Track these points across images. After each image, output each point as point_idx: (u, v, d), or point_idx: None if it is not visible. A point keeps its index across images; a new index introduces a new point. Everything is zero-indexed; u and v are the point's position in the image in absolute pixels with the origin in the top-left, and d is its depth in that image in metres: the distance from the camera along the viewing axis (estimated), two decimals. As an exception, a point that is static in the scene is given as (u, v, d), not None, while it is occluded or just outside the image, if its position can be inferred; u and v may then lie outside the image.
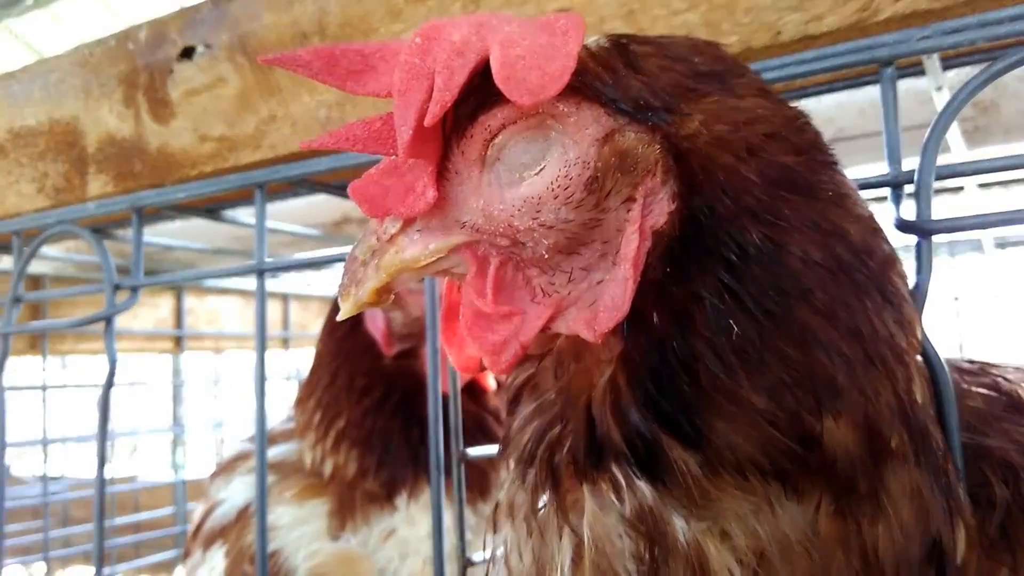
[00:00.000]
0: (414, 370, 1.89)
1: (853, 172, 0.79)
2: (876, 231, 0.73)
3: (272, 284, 3.55)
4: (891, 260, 0.72)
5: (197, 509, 2.09)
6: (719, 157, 0.70)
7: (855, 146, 1.51)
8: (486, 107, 0.72)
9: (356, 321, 1.95)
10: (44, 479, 3.33)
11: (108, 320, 1.49)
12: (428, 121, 0.68)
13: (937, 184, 0.91)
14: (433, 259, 0.76)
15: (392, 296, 0.79)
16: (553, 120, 0.72)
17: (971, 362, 0.91)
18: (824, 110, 1.45)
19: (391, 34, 1.37)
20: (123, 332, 3.32)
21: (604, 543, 0.71)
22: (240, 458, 2.07)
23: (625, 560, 0.70)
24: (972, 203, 2.08)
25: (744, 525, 0.67)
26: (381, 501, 1.79)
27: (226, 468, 2.07)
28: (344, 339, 1.98)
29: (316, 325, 2.98)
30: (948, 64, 1.17)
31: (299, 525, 1.81)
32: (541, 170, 0.72)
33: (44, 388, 3.29)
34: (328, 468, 1.85)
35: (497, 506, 0.86)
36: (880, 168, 0.96)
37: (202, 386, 4.30)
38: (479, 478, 1.76)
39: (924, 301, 0.84)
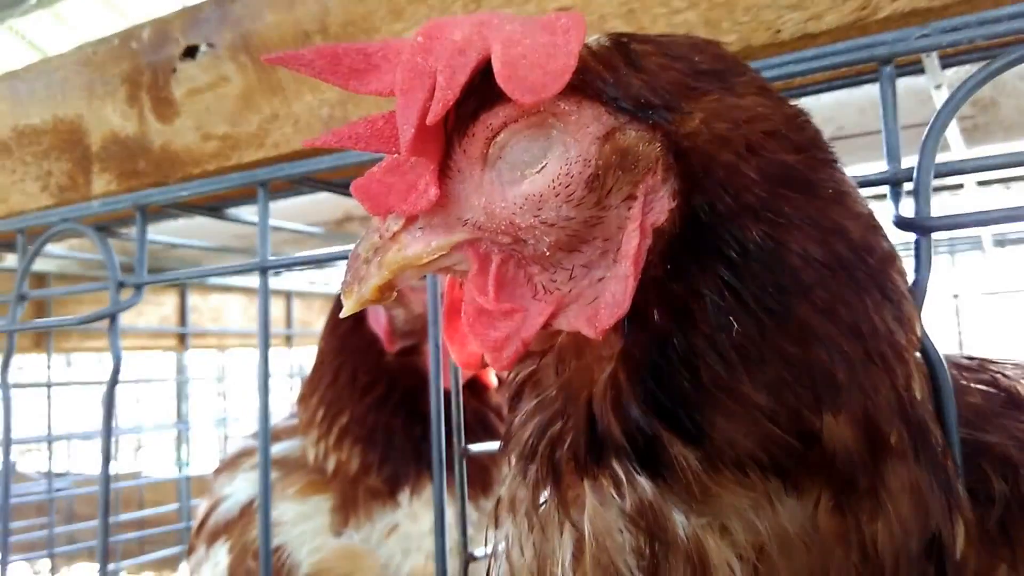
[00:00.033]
0: (416, 367, 1.89)
1: (852, 170, 0.79)
2: (876, 228, 0.73)
3: (275, 282, 3.56)
4: (890, 257, 0.73)
5: (201, 505, 2.10)
6: (719, 155, 0.70)
7: (854, 144, 1.51)
8: (488, 106, 0.72)
9: (359, 318, 1.95)
10: (49, 476, 3.34)
11: (112, 317, 1.50)
12: (430, 119, 0.69)
13: (936, 182, 0.91)
14: (435, 256, 0.77)
15: (394, 293, 0.79)
16: (554, 118, 0.72)
17: (970, 358, 0.90)
18: (823, 108, 1.45)
19: (393, 33, 1.37)
20: (127, 330, 3.33)
21: (604, 538, 0.71)
22: (244, 454, 2.08)
23: (625, 555, 0.70)
24: (972, 202, 2.08)
25: (744, 520, 0.68)
26: (384, 497, 1.80)
27: (230, 464, 2.08)
28: (347, 336, 1.98)
29: (319, 322, 2.99)
30: (947, 62, 1.17)
31: (302, 521, 1.81)
32: (543, 168, 0.73)
33: (49, 385, 3.30)
34: (331, 464, 1.86)
35: (499, 501, 0.86)
36: (879, 166, 0.96)
37: (206, 383, 4.31)
38: (481, 474, 1.76)
39: (923, 298, 0.85)
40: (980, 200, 2.09)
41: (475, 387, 1.91)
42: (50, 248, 2.32)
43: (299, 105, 1.48)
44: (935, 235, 0.89)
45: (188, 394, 3.90)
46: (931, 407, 0.75)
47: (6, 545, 1.68)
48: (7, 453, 1.69)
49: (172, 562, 3.69)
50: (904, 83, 1.18)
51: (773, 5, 1.11)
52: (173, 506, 3.76)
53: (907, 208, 0.91)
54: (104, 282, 1.52)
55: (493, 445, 1.31)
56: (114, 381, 1.52)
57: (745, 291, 0.67)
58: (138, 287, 1.51)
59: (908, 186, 0.93)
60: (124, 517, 3.61)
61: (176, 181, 1.63)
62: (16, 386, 2.81)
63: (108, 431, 1.53)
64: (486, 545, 0.95)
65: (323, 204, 2.17)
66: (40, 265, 2.79)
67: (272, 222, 1.52)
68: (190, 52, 1.60)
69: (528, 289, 0.77)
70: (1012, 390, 0.84)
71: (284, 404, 3.91)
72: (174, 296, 3.55)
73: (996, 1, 1.01)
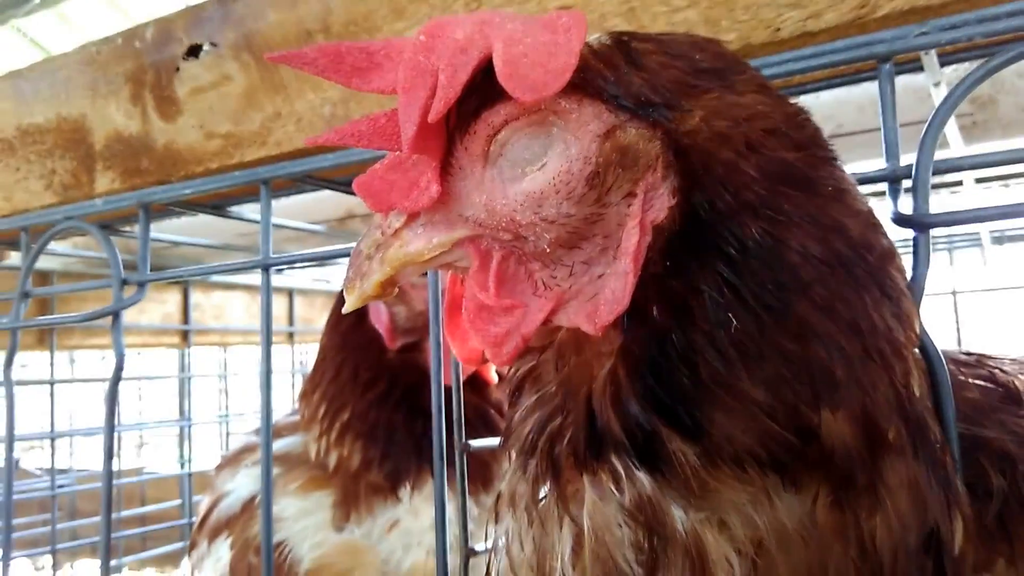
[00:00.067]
0: (417, 363, 1.89)
1: (851, 167, 0.80)
2: (875, 226, 0.73)
3: (277, 280, 3.57)
4: (889, 254, 0.73)
5: (203, 501, 2.10)
6: (719, 153, 0.70)
7: (853, 142, 1.52)
8: (489, 104, 0.73)
9: (360, 315, 1.96)
10: (52, 472, 3.35)
11: (115, 315, 1.50)
12: (432, 117, 0.69)
13: (936, 180, 0.91)
14: (437, 253, 0.77)
15: (396, 289, 0.80)
16: (555, 116, 0.72)
17: (967, 354, 0.91)
18: (823, 106, 1.45)
19: (394, 32, 1.38)
20: (130, 327, 3.33)
21: (604, 532, 0.71)
22: (246, 451, 2.08)
23: (624, 549, 0.70)
24: (971, 201, 2.08)
25: (742, 515, 0.68)
26: (385, 493, 1.80)
27: (232, 460, 2.09)
28: (348, 333, 1.98)
29: (321, 320, 2.99)
30: (946, 60, 1.17)
31: (304, 516, 1.82)
32: (543, 166, 0.73)
33: (52, 383, 3.30)
34: (333, 460, 1.86)
35: (499, 496, 0.87)
36: (878, 163, 0.96)
37: (208, 380, 4.32)
38: (481, 470, 1.76)
39: (921, 295, 0.85)
40: (979, 198, 2.09)
41: (476, 383, 1.91)
42: (53, 246, 2.32)
43: (301, 104, 1.48)
44: (934, 232, 0.90)
45: (190, 391, 3.91)
46: (930, 403, 0.75)
47: (9, 541, 1.69)
48: (10, 450, 1.70)
49: (174, 558, 3.70)
50: (903, 81, 1.18)
51: (772, 3, 1.11)
52: (175, 502, 3.77)
53: (906, 205, 0.91)
54: (107, 280, 1.52)
55: (494, 441, 1.32)
56: (117, 378, 1.52)
57: (744, 288, 0.67)
58: (141, 284, 1.51)
59: (907, 183, 0.93)
60: (126, 513, 3.63)
61: (179, 179, 1.63)
62: (19, 383, 2.81)
63: (111, 428, 1.54)
64: (486, 540, 0.95)
65: (325, 202, 2.17)
66: (44, 263, 2.80)
67: (274, 220, 1.52)
68: (193, 51, 1.60)
69: (528, 285, 0.77)
70: (1010, 385, 0.85)
71: (286, 401, 3.92)
72: (177, 294, 3.55)
73: (994, -2, 1.01)
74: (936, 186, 0.87)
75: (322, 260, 1.41)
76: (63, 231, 1.64)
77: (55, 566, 3.33)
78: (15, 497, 1.71)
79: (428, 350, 1.34)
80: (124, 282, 1.50)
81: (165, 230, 2.38)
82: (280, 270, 3.14)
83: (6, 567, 1.69)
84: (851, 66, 1.06)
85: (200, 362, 4.22)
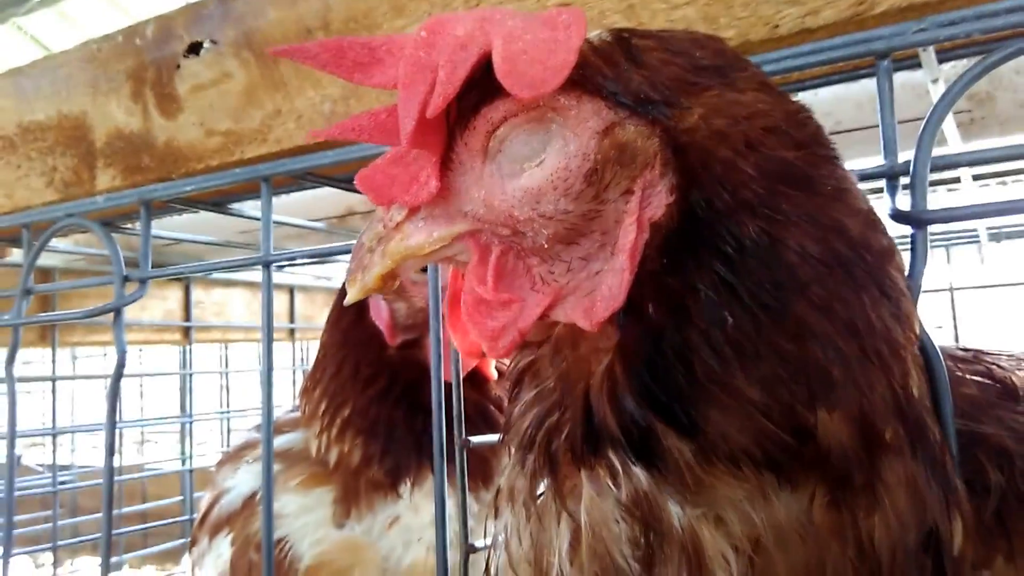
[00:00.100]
0: (418, 360, 1.89)
1: (849, 164, 0.80)
2: (875, 225, 0.73)
3: (278, 277, 3.57)
4: (889, 254, 0.72)
5: (204, 498, 2.10)
6: (718, 151, 0.70)
7: (851, 139, 1.51)
8: (488, 100, 0.73)
9: (361, 312, 1.96)
10: (53, 469, 3.35)
11: (117, 311, 1.50)
12: (430, 113, 0.69)
13: (933, 177, 0.92)
14: (437, 247, 0.78)
15: (398, 282, 0.80)
16: (554, 113, 0.73)
17: (965, 350, 0.91)
18: (821, 103, 1.45)
19: (394, 29, 1.38)
20: (132, 324, 3.34)
21: (601, 528, 0.72)
22: (247, 447, 2.08)
23: (621, 545, 0.70)
24: (968, 198, 2.08)
25: (739, 512, 0.68)
26: (385, 489, 1.80)
27: (233, 457, 2.09)
28: (349, 330, 1.98)
29: (322, 317, 2.99)
30: (944, 57, 1.17)
31: (304, 513, 1.82)
32: (541, 162, 0.73)
33: (54, 379, 3.31)
34: (333, 456, 1.86)
35: (498, 491, 0.87)
36: (876, 160, 0.96)
37: (210, 377, 4.33)
38: (481, 466, 1.76)
39: (919, 291, 0.85)
40: (976, 196, 2.09)
41: (476, 379, 1.91)
42: (55, 243, 2.32)
43: (301, 101, 1.48)
44: (931, 229, 0.90)
45: (192, 388, 3.91)
46: (929, 403, 0.75)
47: (10, 538, 1.69)
48: (12, 446, 1.70)
49: (175, 554, 3.70)
50: (901, 78, 1.18)
51: (771, 0, 1.12)
52: (176, 499, 3.78)
53: (903, 202, 0.92)
54: (109, 277, 1.53)
55: (494, 437, 1.32)
56: (118, 375, 1.53)
57: (741, 287, 0.67)
58: (142, 281, 1.52)
59: (905, 180, 0.93)
60: (127, 510, 3.64)
61: (180, 176, 1.64)
62: (21, 380, 2.81)
63: (112, 424, 1.54)
64: (486, 537, 0.96)
65: (326, 199, 2.18)
66: (45, 260, 2.80)
67: (275, 217, 1.53)
68: (194, 49, 1.61)
69: (527, 280, 0.78)
70: (1007, 381, 0.85)
71: (287, 397, 3.93)
72: (178, 291, 3.56)
73: (992, -5, 1.01)
74: (933, 183, 0.87)
75: (323, 257, 1.41)
76: (64, 228, 1.64)
77: (56, 563, 3.34)
78: (16, 493, 1.71)
79: (428, 346, 1.34)
80: (125, 279, 1.50)
81: (166, 227, 2.39)
82: (281, 267, 3.14)
83: (7, 563, 1.70)
84: (849, 63, 1.06)
85: (201, 359, 4.22)
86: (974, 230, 2.68)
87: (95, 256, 2.69)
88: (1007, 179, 2.10)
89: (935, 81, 1.14)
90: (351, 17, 1.42)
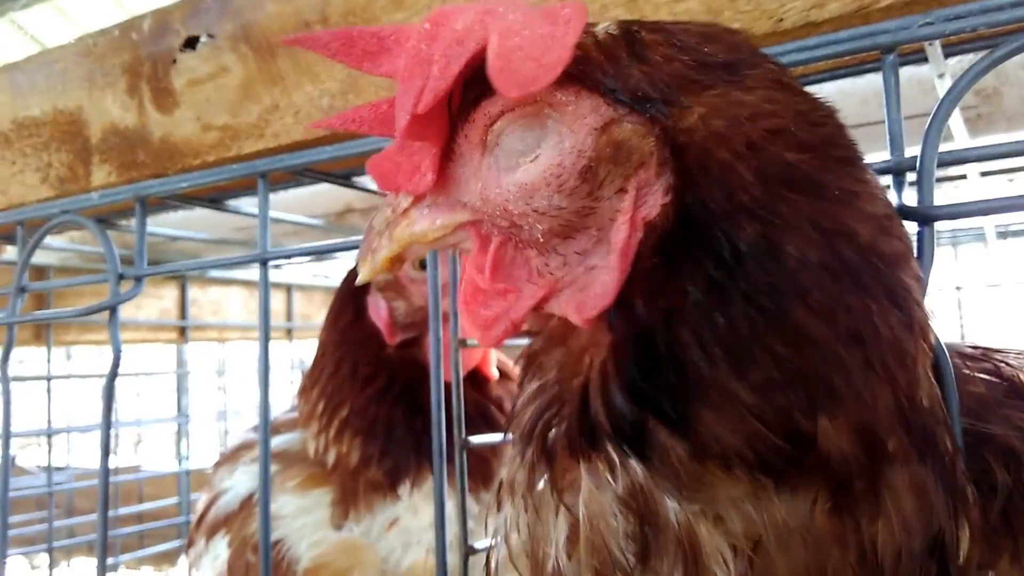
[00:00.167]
0: (417, 359, 1.88)
1: (856, 160, 0.79)
2: (889, 230, 0.71)
3: (276, 275, 3.56)
4: (903, 260, 0.71)
5: (201, 499, 2.09)
6: (716, 153, 0.69)
7: (857, 134, 1.48)
8: (489, 93, 0.72)
9: (359, 311, 1.95)
10: (48, 469, 3.34)
11: (112, 309, 1.49)
12: (420, 109, 0.69)
13: (939, 173, 0.91)
14: (440, 234, 0.79)
15: (406, 264, 0.84)
16: (551, 109, 0.73)
17: (973, 347, 0.90)
18: (826, 98, 1.44)
19: (393, 23, 1.37)
20: (127, 322, 3.33)
21: (599, 521, 0.71)
22: (244, 448, 2.07)
23: (619, 539, 0.70)
24: (975, 194, 2.08)
25: (740, 511, 0.67)
26: (384, 490, 1.79)
27: (230, 458, 2.08)
28: (347, 329, 1.97)
29: (320, 316, 2.99)
30: (950, 51, 1.16)
31: (302, 514, 1.81)
32: (536, 158, 0.73)
33: (48, 379, 3.30)
34: (331, 457, 1.85)
35: (500, 484, 0.87)
36: (882, 156, 0.95)
37: (206, 376, 4.32)
38: (481, 466, 1.74)
39: (926, 289, 0.84)
40: (983, 193, 2.08)
41: (476, 379, 1.91)
42: (50, 240, 2.32)
43: (299, 95, 1.47)
44: (937, 227, 0.89)
45: (188, 387, 3.91)
46: (941, 412, 0.73)
47: (5, 539, 1.67)
48: (6, 447, 1.69)
49: (172, 556, 3.70)
50: (907, 73, 1.17)
51: (775, -7, 1.11)
52: (173, 500, 3.77)
53: (910, 198, 0.91)
54: (104, 274, 1.52)
55: (494, 437, 1.31)
56: (114, 374, 1.52)
57: (734, 289, 0.66)
58: (138, 279, 1.51)
59: (911, 176, 0.92)
60: (123, 511, 3.62)
61: (176, 172, 1.62)
62: (16, 379, 2.81)
63: (107, 425, 1.53)
64: (486, 538, 0.95)
65: (324, 196, 2.17)
66: (40, 258, 2.79)
67: (272, 214, 1.52)
68: (190, 43, 1.59)
69: (524, 271, 0.78)
70: (1015, 379, 0.84)
71: (285, 397, 3.91)
72: (174, 289, 3.55)
73: (999, -11, 1.00)
74: (939, 179, 0.86)
75: (321, 254, 1.40)
76: (59, 225, 1.63)
77: (51, 564, 3.33)
78: (11, 494, 1.70)
79: (428, 345, 1.34)
80: (121, 277, 1.50)
81: (162, 224, 2.38)
82: (278, 265, 3.14)
83: (2, 565, 1.68)
84: (855, 57, 1.05)
85: (197, 358, 4.21)
86: (981, 228, 2.67)
87: (90, 254, 2.68)
88: (1013, 176, 2.09)
89: (941, 76, 1.13)
90: (349, 11, 1.41)
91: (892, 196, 0.92)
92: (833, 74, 1.25)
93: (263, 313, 1.40)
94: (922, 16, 0.96)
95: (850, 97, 1.46)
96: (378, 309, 1.93)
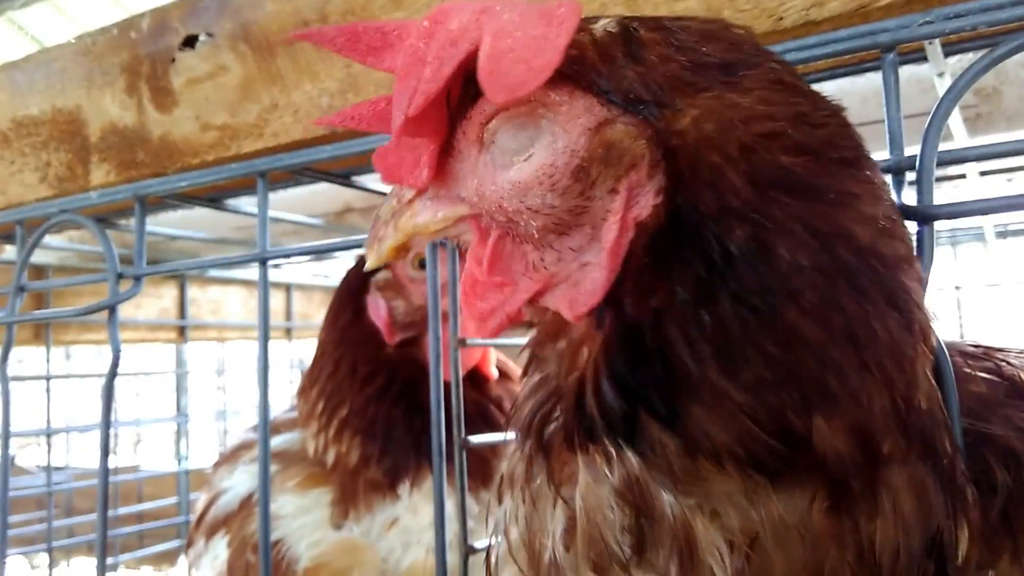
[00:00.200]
0: (416, 358, 1.89)
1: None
2: (889, 232, 0.71)
3: (275, 274, 3.56)
4: (904, 263, 0.70)
5: (200, 498, 2.09)
6: (707, 156, 0.69)
7: (857, 133, 1.51)
8: (486, 91, 0.73)
9: (359, 310, 1.95)
10: (48, 469, 3.34)
11: (111, 309, 1.49)
12: (411, 111, 0.70)
13: (939, 172, 0.90)
14: (441, 226, 0.81)
15: (412, 253, 0.86)
16: (544, 108, 0.73)
17: (975, 346, 0.90)
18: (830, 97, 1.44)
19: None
20: (127, 322, 3.33)
21: (595, 513, 0.72)
22: (243, 447, 2.07)
23: (615, 531, 0.70)
24: (974, 193, 2.07)
25: (736, 507, 0.68)
26: (384, 490, 1.79)
27: (229, 457, 2.08)
28: (347, 328, 1.98)
29: (319, 315, 2.99)
30: (950, 50, 1.16)
31: (302, 514, 1.81)
32: (529, 157, 0.74)
33: (48, 378, 3.30)
34: (331, 457, 1.85)
35: (501, 478, 0.88)
36: (882, 155, 0.95)
37: (206, 376, 4.31)
38: (481, 466, 1.74)
39: (925, 288, 0.84)
40: (982, 191, 2.08)
41: (475, 378, 1.91)
42: (49, 240, 2.32)
43: (299, 94, 1.47)
44: (937, 225, 0.89)
45: (187, 387, 3.90)
46: (941, 414, 0.73)
47: (4, 539, 1.67)
48: (6, 446, 1.68)
49: (171, 556, 3.69)
50: (906, 72, 1.17)
51: (775, -8, 1.10)
52: (172, 500, 3.77)
53: (909, 197, 0.90)
54: (103, 274, 1.52)
55: (493, 437, 1.31)
56: (113, 374, 1.52)
57: (724, 290, 0.66)
58: (137, 278, 1.51)
59: (911, 175, 0.92)
60: (123, 511, 3.61)
61: (175, 171, 1.62)
62: (15, 379, 2.80)
63: (107, 424, 1.53)
64: (486, 537, 0.95)
65: (323, 195, 2.16)
66: (39, 257, 2.79)
67: (272, 213, 1.52)
68: (189, 42, 1.59)
69: (521, 265, 0.79)
70: (1015, 379, 0.84)
71: (284, 397, 3.91)
72: (173, 288, 3.55)
73: (999, -12, 1.00)
74: (938, 179, 0.86)
75: (320, 254, 1.40)
76: (58, 224, 1.63)
77: (51, 564, 3.33)
78: (11, 494, 1.69)
79: (427, 345, 1.33)
80: (120, 276, 1.50)
81: (161, 223, 2.38)
82: (277, 264, 3.13)
83: (2, 565, 1.68)
84: (854, 56, 1.05)
85: (197, 358, 4.21)
86: (980, 227, 2.67)
87: (89, 253, 2.68)
88: (1013, 175, 2.09)
89: (941, 75, 1.13)
90: (349, 10, 1.40)
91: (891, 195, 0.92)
92: (833, 73, 1.24)
93: (262, 312, 1.40)
94: (922, 15, 0.96)
95: (850, 96, 1.46)
96: (377, 308, 1.93)
